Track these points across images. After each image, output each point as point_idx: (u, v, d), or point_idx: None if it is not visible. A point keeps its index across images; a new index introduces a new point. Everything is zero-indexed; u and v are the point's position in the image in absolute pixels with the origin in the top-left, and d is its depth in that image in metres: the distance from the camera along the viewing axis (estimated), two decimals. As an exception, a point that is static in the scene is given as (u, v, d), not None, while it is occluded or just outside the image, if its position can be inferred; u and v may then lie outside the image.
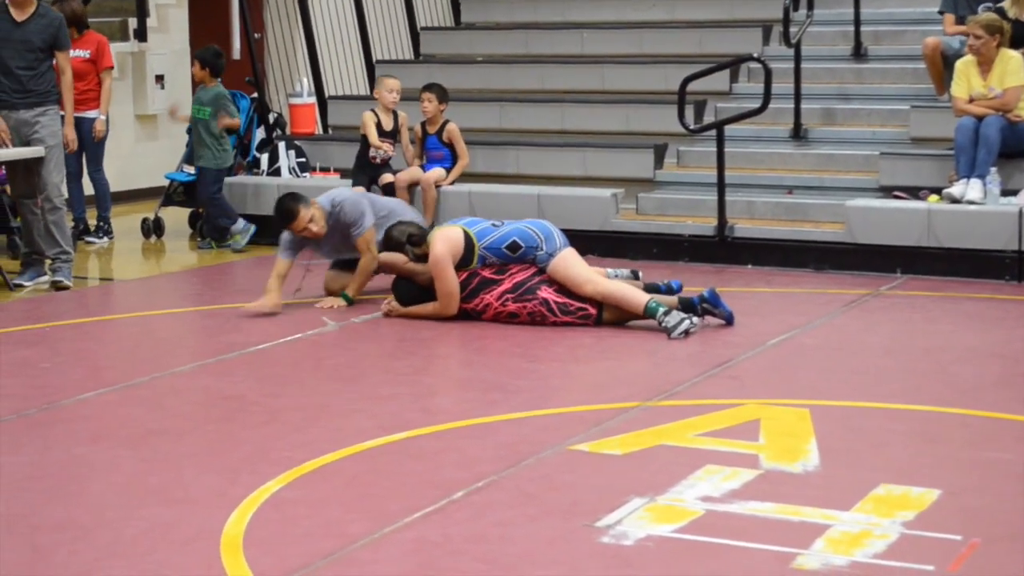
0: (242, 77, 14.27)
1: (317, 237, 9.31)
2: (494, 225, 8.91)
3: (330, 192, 9.66)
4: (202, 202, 12.48)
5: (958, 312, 9.35)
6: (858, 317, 9.18)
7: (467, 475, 5.85)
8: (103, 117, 12.23)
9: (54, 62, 10.27)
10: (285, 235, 9.33)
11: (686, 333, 8.38)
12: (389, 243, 9.05)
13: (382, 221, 9.45)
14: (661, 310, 8.47)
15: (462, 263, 8.82)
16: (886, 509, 5.42)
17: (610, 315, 8.74)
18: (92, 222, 12.74)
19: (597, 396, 7.20)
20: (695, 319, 8.47)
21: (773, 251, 10.95)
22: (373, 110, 12.11)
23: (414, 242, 8.93)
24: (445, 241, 8.79)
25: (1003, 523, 5.30)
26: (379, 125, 12.04)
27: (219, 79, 12.39)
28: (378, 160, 12.05)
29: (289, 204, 9.25)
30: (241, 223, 12.21)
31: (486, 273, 8.85)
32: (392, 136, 12.13)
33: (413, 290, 9.03)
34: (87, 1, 14.19)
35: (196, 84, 12.68)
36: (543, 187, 11.88)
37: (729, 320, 8.68)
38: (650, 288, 8.94)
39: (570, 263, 8.79)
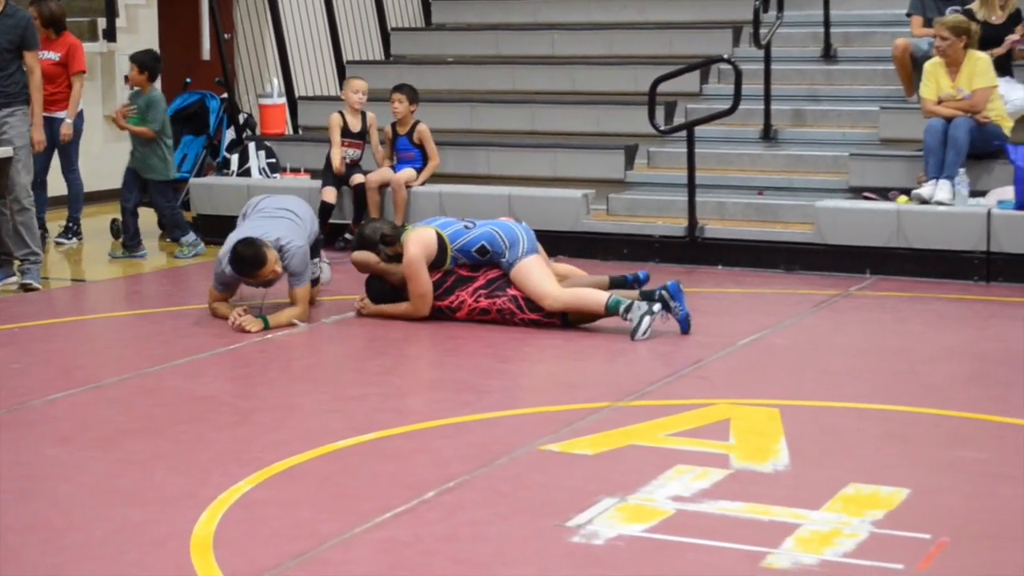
0: (212, 77, 14.23)
1: (277, 277, 8.87)
2: (466, 227, 8.89)
3: (268, 231, 8.82)
4: (157, 212, 12.28)
5: (927, 312, 9.39)
6: (828, 317, 9.21)
7: (438, 475, 5.85)
8: (69, 121, 12.12)
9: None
10: (227, 272, 8.77)
11: (649, 331, 8.38)
12: (362, 242, 9.03)
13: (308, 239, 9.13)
14: (623, 305, 8.48)
15: (435, 264, 8.82)
16: (855, 508, 5.44)
17: (576, 315, 8.76)
18: (60, 223, 12.66)
19: (568, 396, 7.21)
20: (655, 307, 8.45)
21: (743, 252, 10.99)
22: (341, 112, 12.12)
23: (387, 242, 8.92)
24: (419, 243, 8.78)
25: (972, 522, 5.33)
26: (347, 126, 12.05)
27: (155, 84, 12.08)
28: (347, 160, 12.06)
29: (256, 251, 8.59)
30: (191, 237, 11.91)
31: (461, 271, 8.87)
32: (361, 137, 12.14)
33: (386, 288, 9.03)
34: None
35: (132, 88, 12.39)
36: (514, 188, 11.89)
37: (683, 323, 8.53)
38: (616, 282, 8.95)
39: (529, 274, 8.74)
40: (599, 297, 8.61)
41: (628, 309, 8.45)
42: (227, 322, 8.79)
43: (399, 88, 11.95)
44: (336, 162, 11.95)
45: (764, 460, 6.07)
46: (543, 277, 8.75)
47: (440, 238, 8.81)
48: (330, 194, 11.94)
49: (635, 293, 8.67)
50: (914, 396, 7.21)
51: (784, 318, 9.10)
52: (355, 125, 12.09)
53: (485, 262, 8.85)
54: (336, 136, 12.01)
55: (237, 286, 9.02)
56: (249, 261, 8.63)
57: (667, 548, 5.08)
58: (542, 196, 11.66)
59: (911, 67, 11.81)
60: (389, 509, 5.43)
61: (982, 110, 10.75)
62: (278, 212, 9.13)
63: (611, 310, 8.53)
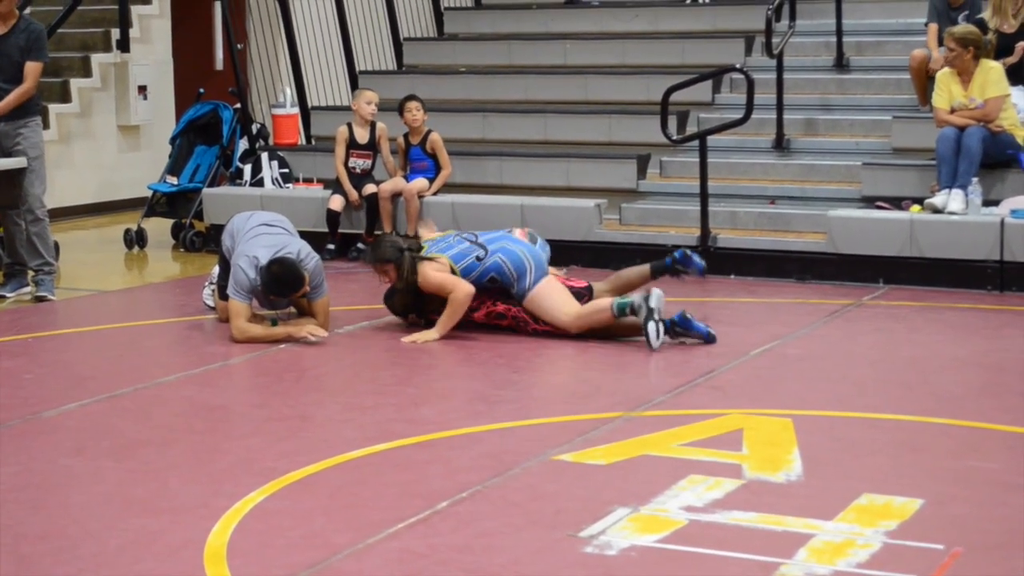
0: (225, 88, 14.26)
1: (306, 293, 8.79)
2: (478, 259, 8.77)
3: (285, 245, 8.73)
4: None
5: (940, 322, 9.38)
6: (841, 327, 9.20)
7: (451, 485, 5.86)
8: None
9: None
10: (244, 281, 8.58)
11: (661, 338, 8.35)
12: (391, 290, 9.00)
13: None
14: (628, 306, 8.47)
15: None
16: (869, 518, 5.43)
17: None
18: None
19: (581, 406, 7.21)
20: (653, 306, 8.39)
21: (756, 261, 10.97)
22: (349, 123, 12.13)
23: (414, 263, 8.79)
24: (438, 269, 8.75)
25: (985, 532, 5.33)
26: (354, 138, 12.07)
27: None
28: (357, 171, 12.08)
29: (295, 271, 8.49)
30: None
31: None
32: (369, 148, 12.15)
33: (408, 299, 8.97)
34: (70, 11, 14.20)
35: None
36: (526, 197, 11.88)
37: (708, 339, 8.55)
38: (657, 268, 8.92)
39: (541, 303, 8.73)
40: (605, 306, 8.60)
41: (634, 310, 8.44)
42: (270, 341, 8.63)
43: (413, 98, 11.96)
44: (342, 178, 11.96)
45: (777, 470, 6.07)
46: (555, 303, 8.73)
47: (452, 271, 8.77)
48: (336, 202, 11.96)
49: (644, 268, 8.89)
50: (927, 406, 7.20)
51: (797, 328, 9.10)
52: (363, 136, 12.11)
53: (496, 289, 8.84)
54: (340, 151, 12.04)
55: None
56: (290, 282, 8.55)
57: (680, 558, 5.08)
58: (554, 206, 11.66)
59: (926, 77, 11.80)
60: (402, 519, 5.44)
61: (995, 119, 10.75)
62: (274, 229, 8.95)
63: (620, 312, 8.52)
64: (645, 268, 8.94)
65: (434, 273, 8.73)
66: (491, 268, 8.78)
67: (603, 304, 8.63)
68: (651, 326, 8.37)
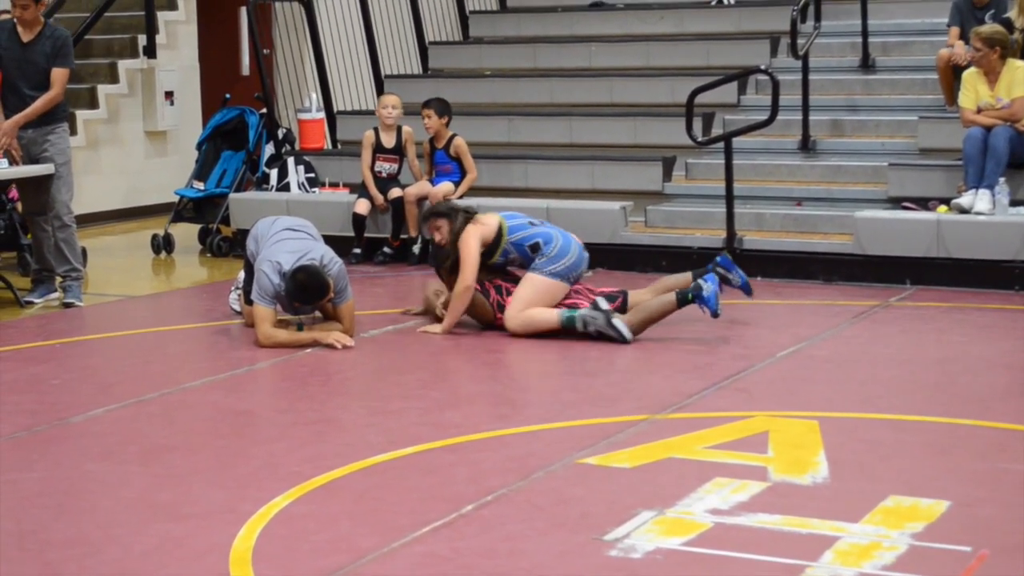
0: (251, 93, 14.30)
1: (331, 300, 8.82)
2: (531, 223, 8.95)
3: (308, 250, 8.70)
4: None
5: (967, 323, 9.34)
6: (867, 329, 9.17)
7: (476, 489, 5.86)
8: None
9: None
10: (268, 286, 8.59)
11: (628, 331, 8.41)
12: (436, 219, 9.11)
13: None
14: (577, 321, 8.57)
15: (487, 253, 8.89)
16: (895, 521, 5.41)
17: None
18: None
19: (606, 409, 7.20)
20: (601, 313, 8.46)
21: (782, 263, 10.95)
22: (375, 128, 12.16)
23: (465, 221, 8.92)
24: (477, 235, 8.85)
25: (1012, 534, 5.30)
26: (380, 143, 12.09)
27: None
28: (383, 175, 12.10)
29: (322, 279, 8.48)
30: None
31: (502, 283, 8.93)
32: (396, 152, 12.17)
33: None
34: (96, 17, 14.26)
35: None
36: (552, 200, 11.88)
37: (745, 288, 9.11)
38: (698, 276, 8.96)
39: (523, 285, 8.83)
40: (550, 316, 8.70)
41: (585, 323, 8.48)
42: (298, 345, 8.68)
43: (427, 103, 11.99)
44: (368, 182, 12.00)
45: (803, 472, 6.05)
46: (525, 297, 8.79)
47: (500, 228, 8.87)
48: (362, 206, 11.98)
49: (687, 277, 8.88)
50: (954, 407, 7.17)
51: (823, 329, 9.07)
52: (389, 141, 12.13)
53: (534, 259, 8.89)
54: (367, 155, 12.07)
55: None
56: (315, 290, 8.56)
57: (705, 562, 5.07)
58: (580, 208, 11.65)
59: (952, 77, 11.76)
60: (427, 523, 5.44)
61: (1022, 119, 10.70)
62: (298, 234, 8.93)
63: (566, 327, 8.61)
64: (671, 298, 8.72)
65: (470, 241, 8.80)
66: (539, 235, 8.91)
67: (547, 318, 8.72)
68: (615, 327, 8.44)
